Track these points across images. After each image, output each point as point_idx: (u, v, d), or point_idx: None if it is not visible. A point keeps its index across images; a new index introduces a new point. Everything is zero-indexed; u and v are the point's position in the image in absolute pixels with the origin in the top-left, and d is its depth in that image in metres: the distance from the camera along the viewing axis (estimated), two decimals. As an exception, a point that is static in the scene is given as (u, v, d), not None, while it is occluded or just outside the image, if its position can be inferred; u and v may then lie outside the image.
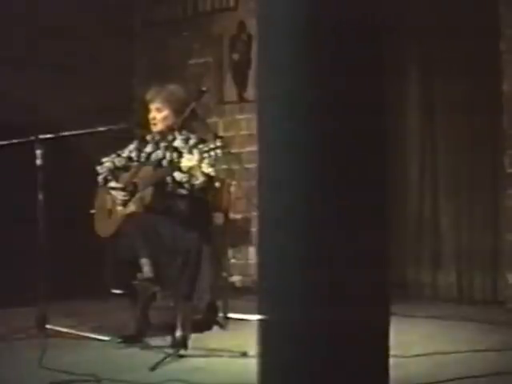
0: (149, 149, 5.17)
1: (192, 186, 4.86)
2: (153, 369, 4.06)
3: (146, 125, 5.19)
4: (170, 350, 4.36)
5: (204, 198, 5.01)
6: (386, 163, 2.60)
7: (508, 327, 4.97)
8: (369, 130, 2.55)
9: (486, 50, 5.96)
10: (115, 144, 5.33)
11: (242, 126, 7.16)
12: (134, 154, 5.22)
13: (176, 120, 5.03)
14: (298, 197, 2.51)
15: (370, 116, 2.54)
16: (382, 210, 2.58)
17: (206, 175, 4.73)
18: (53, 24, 7.01)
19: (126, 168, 5.18)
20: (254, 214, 6.57)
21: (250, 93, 7.06)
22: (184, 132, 5.08)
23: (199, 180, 4.79)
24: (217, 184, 4.93)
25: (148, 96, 5.15)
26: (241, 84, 7.22)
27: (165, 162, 5.04)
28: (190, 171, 4.71)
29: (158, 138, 5.16)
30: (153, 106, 5.10)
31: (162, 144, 5.11)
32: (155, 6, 7.77)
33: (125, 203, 5.01)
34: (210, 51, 7.45)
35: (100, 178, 5.17)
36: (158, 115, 5.08)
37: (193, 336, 4.56)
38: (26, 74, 6.79)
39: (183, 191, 4.92)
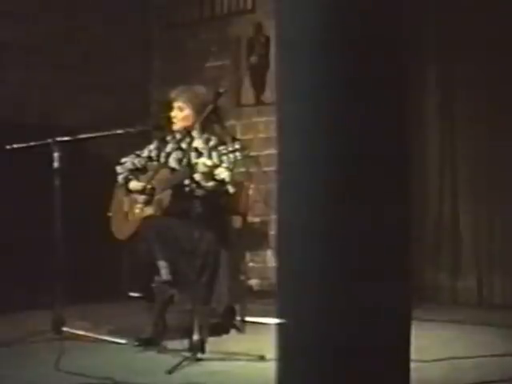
0: (169, 149, 5.17)
1: (204, 187, 4.85)
2: (170, 372, 4.04)
3: (166, 125, 5.20)
4: (187, 354, 4.34)
5: (218, 201, 4.99)
6: (408, 168, 2.58)
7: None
8: (391, 134, 2.53)
9: (506, 59, 5.94)
10: (132, 147, 5.32)
11: (260, 128, 7.14)
12: (153, 154, 5.22)
13: (196, 120, 5.03)
14: (317, 200, 2.50)
15: (392, 120, 2.52)
16: (404, 214, 2.56)
17: (220, 180, 4.71)
18: (70, 26, 7.03)
19: (144, 169, 5.18)
20: (273, 217, 6.55)
21: (268, 95, 7.04)
22: (205, 135, 5.06)
23: (210, 183, 4.78)
24: (230, 189, 4.87)
25: (172, 94, 5.16)
26: (258, 86, 7.20)
27: (184, 162, 5.02)
28: (205, 173, 4.70)
29: (178, 137, 5.15)
30: (175, 105, 5.12)
31: (183, 145, 5.10)
32: (172, 8, 7.77)
33: (147, 202, 5.00)
34: (228, 54, 7.44)
35: (120, 178, 5.16)
36: (180, 114, 5.09)
37: (210, 339, 4.54)
38: (43, 76, 6.80)
39: (201, 192, 4.91)
